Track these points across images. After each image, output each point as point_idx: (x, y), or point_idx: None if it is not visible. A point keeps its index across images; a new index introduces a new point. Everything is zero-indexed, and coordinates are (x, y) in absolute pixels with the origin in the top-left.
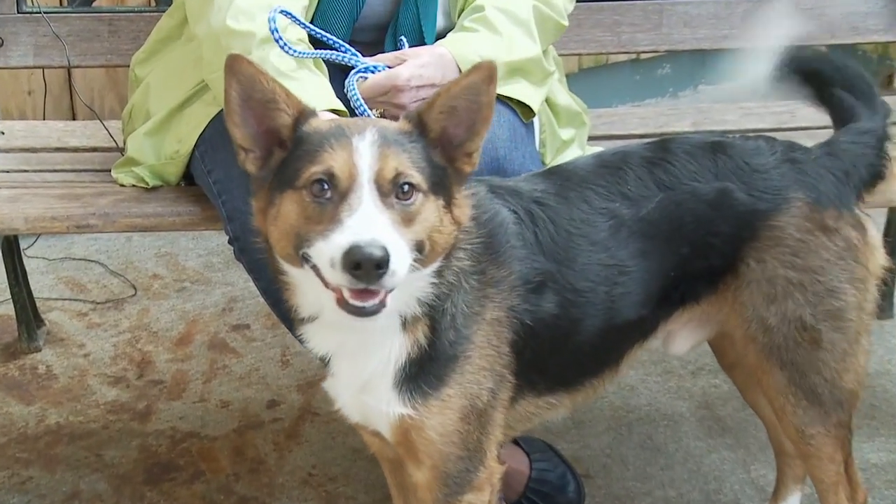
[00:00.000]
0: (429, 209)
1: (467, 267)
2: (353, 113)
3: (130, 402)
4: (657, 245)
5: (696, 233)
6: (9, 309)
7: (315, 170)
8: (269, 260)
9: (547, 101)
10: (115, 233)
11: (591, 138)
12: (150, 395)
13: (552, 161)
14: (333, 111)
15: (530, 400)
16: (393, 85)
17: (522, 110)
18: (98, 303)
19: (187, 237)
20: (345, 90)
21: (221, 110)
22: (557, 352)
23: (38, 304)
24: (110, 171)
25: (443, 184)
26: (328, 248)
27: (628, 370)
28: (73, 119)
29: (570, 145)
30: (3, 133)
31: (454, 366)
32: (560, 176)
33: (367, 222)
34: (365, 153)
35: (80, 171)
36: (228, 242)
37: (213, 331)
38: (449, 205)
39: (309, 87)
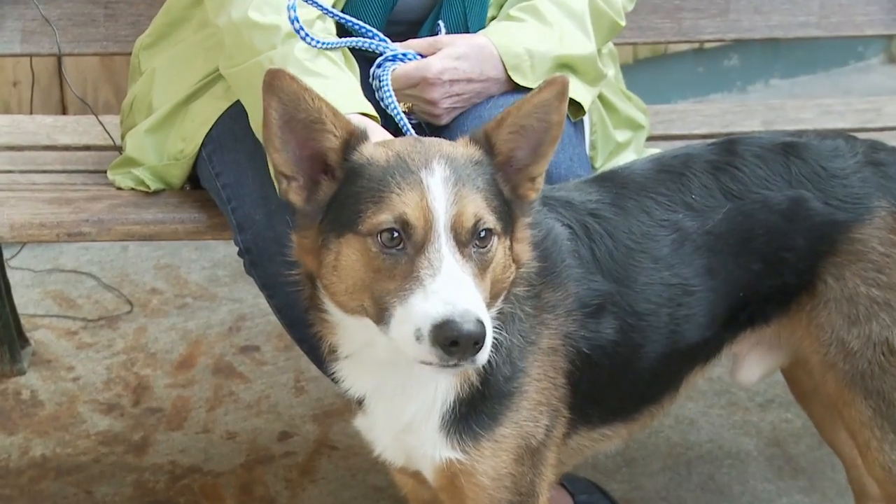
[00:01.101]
0: (500, 253)
1: (522, 292)
2: (378, 107)
3: (125, 432)
4: (724, 261)
5: (768, 247)
6: None
7: (384, 218)
8: (308, 296)
9: (600, 97)
10: (109, 242)
11: (647, 138)
12: (147, 425)
13: (604, 165)
14: (363, 115)
15: (584, 433)
16: (423, 77)
17: (571, 109)
18: (89, 320)
19: (190, 247)
20: (370, 79)
21: (232, 105)
22: (616, 381)
23: (22, 321)
24: (105, 172)
25: (509, 220)
26: (412, 317)
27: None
28: (64, 114)
29: (625, 149)
30: None
31: (509, 403)
32: (615, 183)
33: (457, 288)
34: (439, 195)
35: (72, 171)
36: (238, 254)
37: (219, 353)
38: (511, 243)
39: (337, 85)
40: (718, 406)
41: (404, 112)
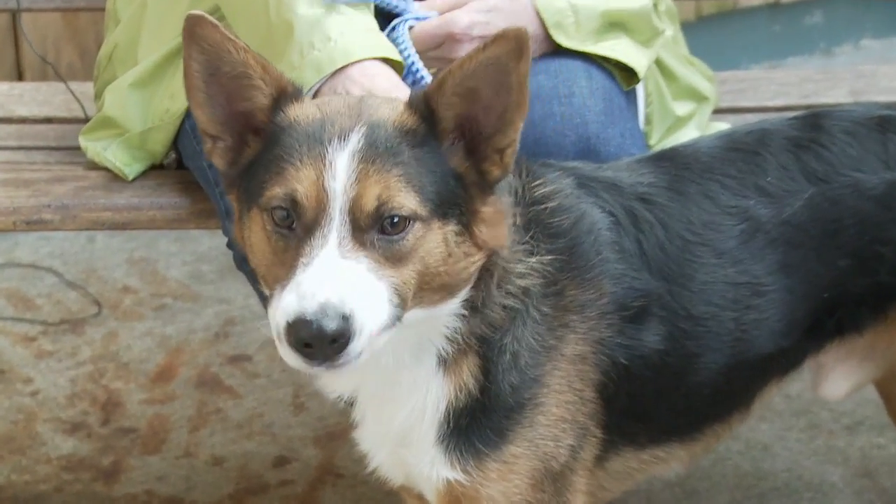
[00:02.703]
0: (431, 241)
1: (536, 288)
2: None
3: (93, 456)
4: (805, 256)
5: (859, 240)
6: None
7: (276, 192)
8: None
9: (657, 63)
10: (75, 231)
11: (713, 111)
12: (119, 448)
13: (660, 143)
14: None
15: (629, 455)
16: (448, 33)
17: (623, 75)
18: (50, 324)
19: (169, 238)
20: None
21: None
22: (665, 396)
23: None
24: (69, 148)
25: (457, 200)
26: (274, 314)
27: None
28: (20, 79)
29: (686, 123)
30: None
31: (520, 417)
32: (675, 163)
33: (322, 280)
34: (340, 172)
35: (30, 148)
36: (227, 246)
37: (203, 363)
38: (468, 227)
39: (358, 24)
40: (797, 429)
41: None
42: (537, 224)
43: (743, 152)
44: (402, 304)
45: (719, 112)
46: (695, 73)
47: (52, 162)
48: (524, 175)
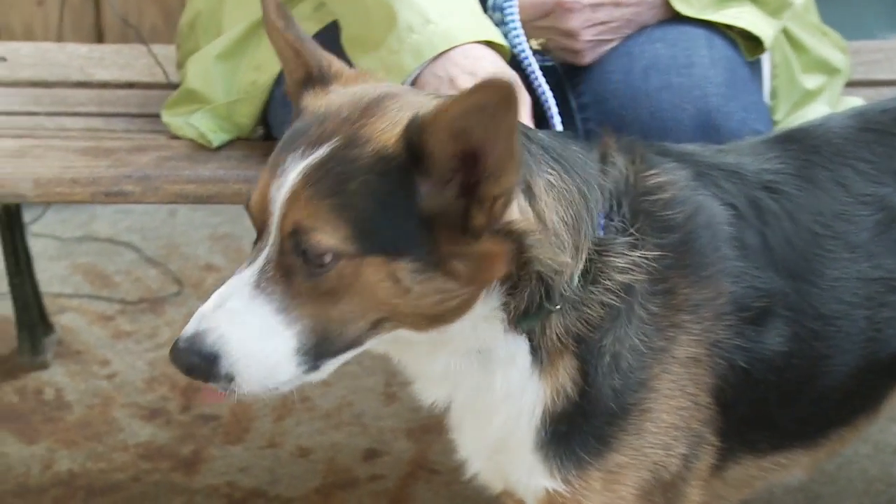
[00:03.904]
0: (368, 278)
1: (643, 287)
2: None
3: (172, 444)
4: None
5: None
6: (5, 308)
7: (249, 195)
8: None
9: (785, 33)
10: (156, 204)
11: (845, 85)
12: (200, 437)
13: (786, 119)
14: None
15: (749, 463)
16: (557, 1)
17: (747, 45)
18: (128, 302)
19: None
20: (489, 12)
21: (322, 29)
22: (791, 401)
23: (45, 301)
24: (154, 115)
25: (417, 239)
26: None
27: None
28: (101, 41)
29: (816, 98)
30: (3, 59)
31: (624, 423)
32: (804, 146)
33: (211, 303)
34: (284, 186)
35: (111, 115)
36: None
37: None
38: (436, 264)
39: (460, 4)
40: None
41: (536, 50)
42: (646, 216)
43: (878, 133)
44: (335, 344)
45: (852, 85)
46: (826, 44)
47: (134, 130)
48: (637, 161)
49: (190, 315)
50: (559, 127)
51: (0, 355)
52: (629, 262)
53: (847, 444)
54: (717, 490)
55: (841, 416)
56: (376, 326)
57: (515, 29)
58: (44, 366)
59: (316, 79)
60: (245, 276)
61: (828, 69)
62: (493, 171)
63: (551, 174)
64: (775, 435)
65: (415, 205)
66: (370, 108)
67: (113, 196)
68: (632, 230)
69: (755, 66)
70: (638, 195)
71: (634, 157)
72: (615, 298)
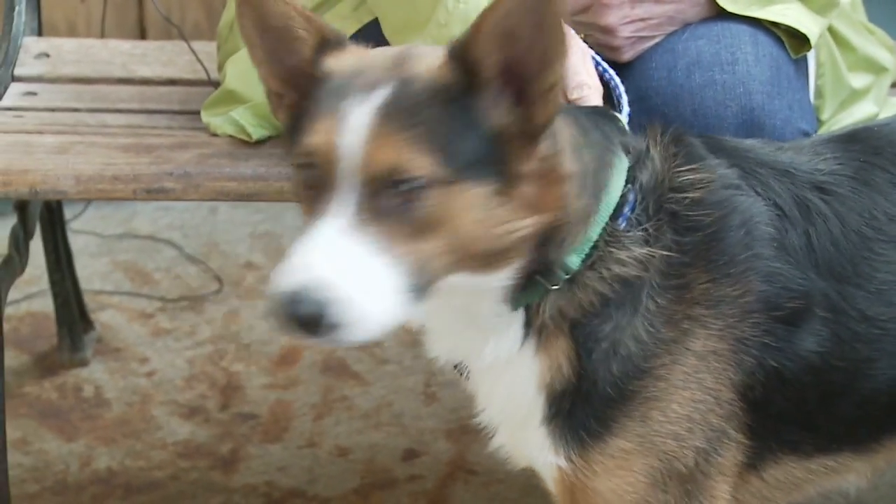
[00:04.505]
0: (456, 205)
1: (653, 280)
2: None
3: (210, 443)
4: None
5: None
6: (46, 304)
7: (301, 149)
8: None
9: (831, 31)
10: (197, 202)
11: (893, 85)
12: (239, 435)
13: (833, 118)
14: None
15: (793, 464)
16: None
17: (792, 42)
18: (168, 300)
19: (296, 211)
20: None
21: (362, 28)
22: (833, 403)
23: (85, 298)
24: (194, 113)
25: (494, 159)
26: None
27: None
28: (143, 38)
29: (863, 97)
30: (47, 56)
31: (628, 410)
32: (867, 147)
33: (308, 256)
34: (355, 128)
35: (153, 112)
36: None
37: (329, 347)
38: (509, 188)
39: None
40: None
41: None
42: (669, 214)
43: None
44: (428, 281)
45: None
46: (873, 42)
47: (175, 127)
48: (677, 156)
49: (231, 314)
50: (626, 108)
51: (40, 352)
52: (631, 256)
53: None
54: (760, 491)
55: (893, 421)
56: (454, 264)
57: None
58: (83, 363)
59: (333, 42)
60: (337, 224)
61: (875, 68)
62: (544, 62)
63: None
64: (819, 437)
65: (481, 124)
66: (403, 57)
67: (154, 193)
68: (647, 226)
69: (800, 65)
70: (665, 192)
71: (677, 151)
72: (607, 289)
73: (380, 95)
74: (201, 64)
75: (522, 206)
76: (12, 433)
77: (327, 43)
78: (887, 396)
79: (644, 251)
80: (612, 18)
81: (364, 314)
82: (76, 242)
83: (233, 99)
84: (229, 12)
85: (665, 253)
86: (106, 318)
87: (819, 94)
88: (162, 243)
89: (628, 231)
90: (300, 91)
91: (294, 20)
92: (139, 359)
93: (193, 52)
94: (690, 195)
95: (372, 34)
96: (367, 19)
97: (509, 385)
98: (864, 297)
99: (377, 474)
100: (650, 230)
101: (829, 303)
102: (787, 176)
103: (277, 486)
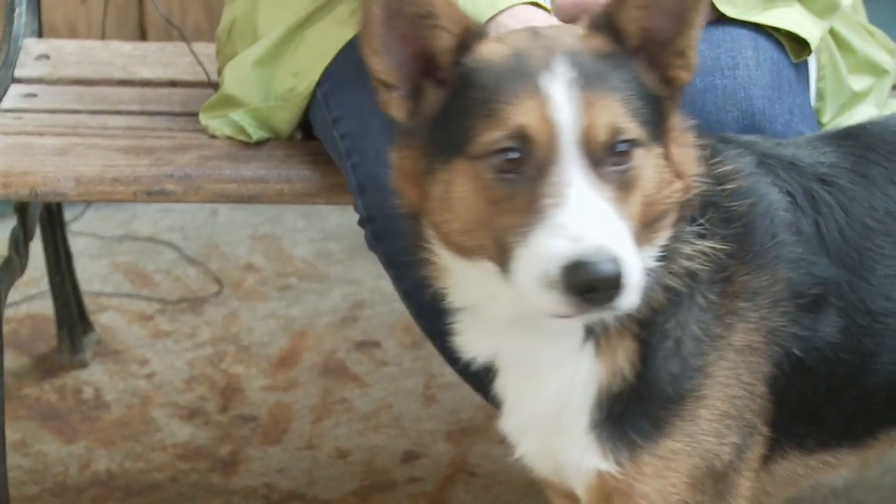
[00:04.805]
0: (650, 166)
1: (705, 273)
2: None
3: (210, 445)
4: None
5: None
6: (45, 306)
7: (496, 135)
8: (412, 230)
9: (831, 33)
10: (197, 203)
11: (894, 87)
12: (238, 437)
13: (833, 121)
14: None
15: (797, 459)
16: (585, 6)
17: (793, 46)
18: (168, 302)
19: (297, 213)
20: None
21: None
22: (838, 397)
23: (85, 300)
24: (195, 114)
25: (656, 118)
26: (536, 259)
27: None
28: (144, 39)
29: (863, 100)
30: (47, 57)
31: (679, 409)
32: (860, 143)
33: (588, 220)
34: (563, 103)
35: (154, 113)
36: (358, 223)
37: (329, 349)
38: (667, 148)
39: None
40: None
41: None
42: (715, 207)
43: None
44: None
45: None
46: (873, 45)
47: (176, 129)
48: (706, 151)
49: (230, 316)
50: None
51: (39, 354)
52: (696, 250)
53: None
54: (765, 485)
55: (889, 416)
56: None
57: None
58: (83, 365)
59: (476, 32)
60: (582, 192)
61: (875, 70)
62: (683, 24)
63: None
64: (822, 431)
65: (645, 88)
66: (542, 35)
67: (154, 195)
68: (701, 220)
69: (801, 68)
70: (707, 185)
71: (703, 146)
72: (680, 283)
73: (565, 70)
74: (202, 66)
75: (673, 169)
76: (11, 435)
77: (472, 32)
78: (886, 391)
79: (705, 245)
80: None
81: (638, 279)
82: (76, 244)
83: (231, 103)
84: (227, 18)
85: (721, 246)
86: (106, 319)
87: (820, 96)
88: (162, 245)
89: (685, 227)
90: (414, 83)
91: (437, 7)
92: (139, 361)
93: (194, 53)
94: (728, 186)
95: None
96: None
97: (557, 388)
98: (868, 290)
99: (377, 476)
100: (705, 223)
101: (841, 292)
102: (793, 167)
103: (277, 488)
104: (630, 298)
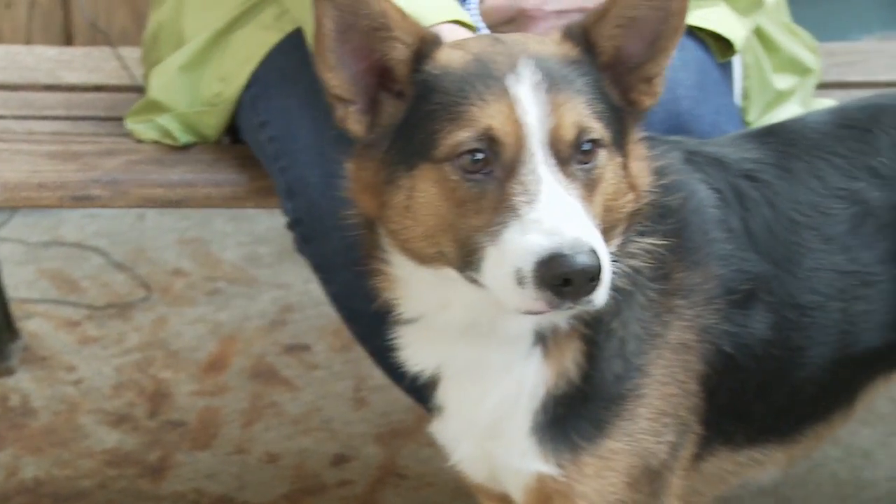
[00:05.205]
0: (610, 171)
1: (647, 271)
2: None
3: (139, 450)
4: None
5: None
6: None
7: (464, 136)
8: (365, 239)
9: (757, 32)
10: (123, 208)
11: (817, 86)
12: (167, 442)
13: (759, 119)
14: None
15: (724, 456)
16: (519, 9)
17: (718, 46)
18: (96, 308)
19: (225, 217)
20: None
21: (285, 37)
22: (767, 392)
23: (11, 307)
24: (121, 119)
25: (618, 126)
26: (509, 256)
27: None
28: (70, 44)
29: (788, 99)
30: None
31: (621, 409)
32: (781, 139)
33: (562, 214)
34: (531, 103)
35: (80, 118)
36: (287, 227)
37: (258, 353)
38: (626, 160)
39: None
40: None
41: None
42: (651, 203)
43: (854, 129)
44: None
45: (825, 87)
46: (797, 44)
47: (102, 133)
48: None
49: (159, 321)
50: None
51: None
52: (638, 247)
53: (822, 441)
54: (693, 484)
55: (815, 412)
56: None
57: (479, 30)
58: (9, 372)
59: (433, 41)
60: (553, 188)
61: (800, 69)
62: (656, 51)
63: None
64: (751, 428)
65: (610, 98)
66: (507, 41)
67: (80, 200)
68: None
69: (726, 68)
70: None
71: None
72: (626, 282)
73: (531, 73)
74: (128, 70)
75: (629, 181)
76: None
77: (428, 41)
78: (813, 386)
79: (647, 242)
80: (538, 30)
81: (610, 274)
82: (2, 250)
83: (156, 108)
84: (152, 24)
85: (660, 242)
86: (32, 326)
87: (745, 95)
88: (89, 251)
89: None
90: (370, 96)
91: (391, 18)
92: (66, 367)
93: (120, 58)
94: (662, 182)
95: (295, 43)
96: (289, 29)
97: (503, 394)
98: (795, 283)
99: (307, 480)
100: (643, 220)
101: (769, 287)
102: (719, 164)
103: (206, 493)
104: (603, 293)
